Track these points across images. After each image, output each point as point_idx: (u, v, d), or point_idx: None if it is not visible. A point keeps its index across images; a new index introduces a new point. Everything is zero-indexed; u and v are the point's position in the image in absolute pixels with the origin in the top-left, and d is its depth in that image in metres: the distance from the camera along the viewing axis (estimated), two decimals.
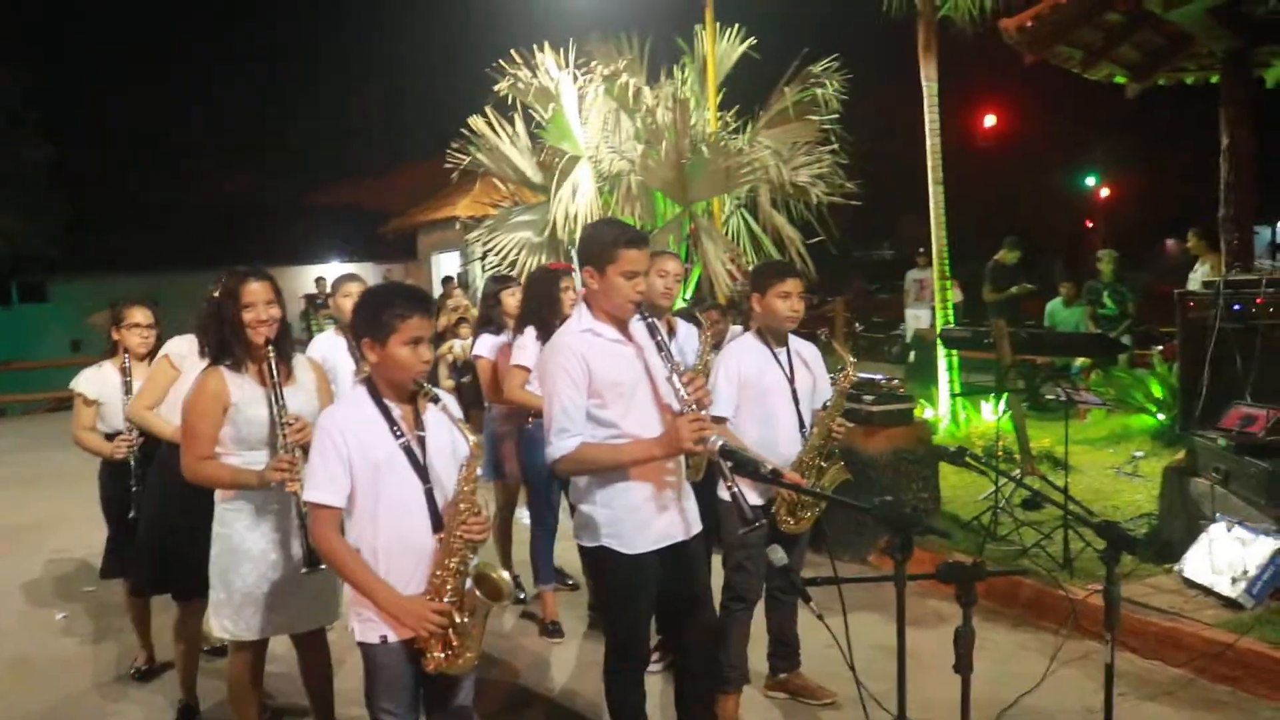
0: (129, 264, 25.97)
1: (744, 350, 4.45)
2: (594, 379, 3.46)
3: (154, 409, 4.68)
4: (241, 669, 3.85)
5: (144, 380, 4.81)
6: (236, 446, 3.73)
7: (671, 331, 5.31)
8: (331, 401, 3.88)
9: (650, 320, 3.51)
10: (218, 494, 3.80)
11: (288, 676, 4.79)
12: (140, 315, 5.12)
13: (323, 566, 3.57)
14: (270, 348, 3.71)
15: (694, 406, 3.36)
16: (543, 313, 5.51)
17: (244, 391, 3.71)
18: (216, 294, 4.43)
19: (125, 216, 32.03)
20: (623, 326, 3.58)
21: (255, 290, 3.73)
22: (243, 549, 3.74)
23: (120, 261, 26.64)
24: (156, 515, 4.62)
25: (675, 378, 3.41)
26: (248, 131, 40.56)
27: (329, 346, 5.57)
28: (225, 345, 3.74)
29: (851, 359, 4.60)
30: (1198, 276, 10.19)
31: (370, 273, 27.72)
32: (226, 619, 3.76)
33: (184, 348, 4.59)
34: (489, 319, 6.19)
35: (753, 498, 4.12)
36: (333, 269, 29.72)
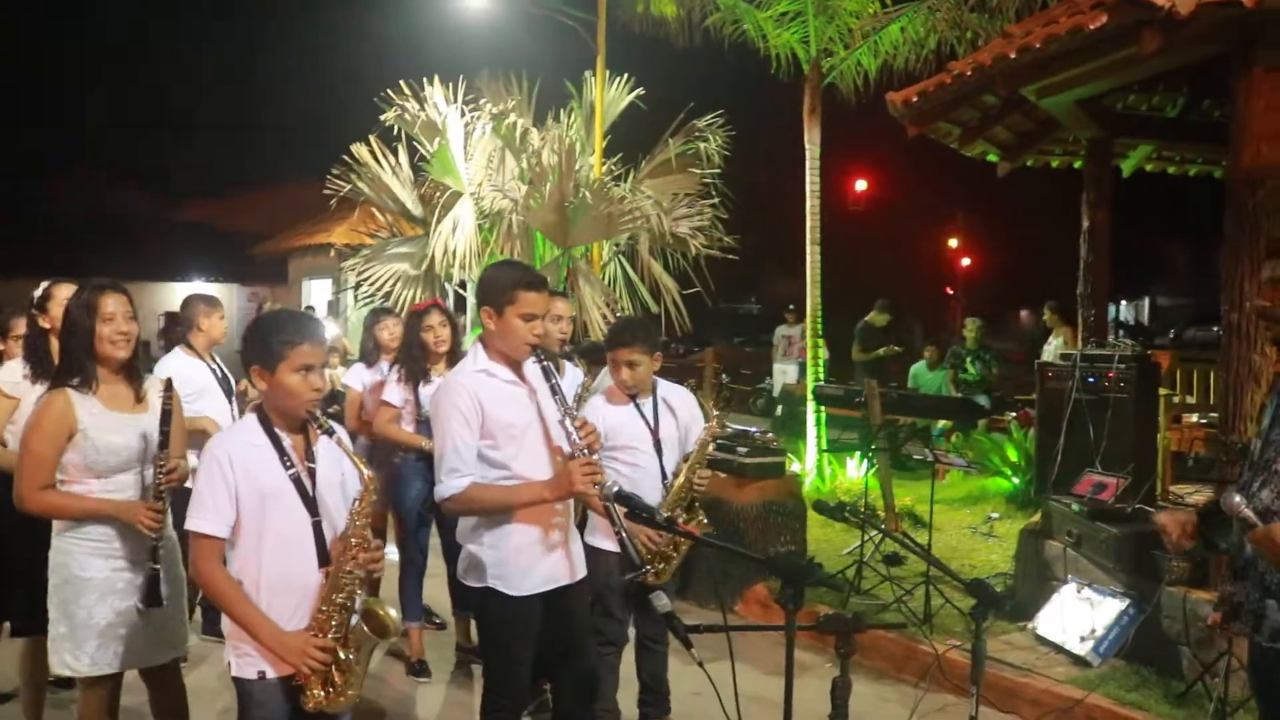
0: None
1: (605, 404, 4.50)
2: (486, 419, 3.45)
3: None
4: (94, 706, 3.60)
5: None
6: (82, 474, 3.49)
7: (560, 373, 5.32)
8: (184, 426, 3.74)
9: (546, 364, 3.52)
10: (56, 524, 3.55)
11: (137, 712, 4.59)
12: (18, 327, 4.87)
13: (165, 604, 3.48)
14: (172, 394, 3.58)
15: (586, 451, 3.38)
16: (411, 351, 5.53)
17: (93, 416, 3.47)
18: (35, 308, 4.28)
19: None
20: (517, 368, 3.59)
21: (115, 301, 3.54)
22: (83, 578, 3.49)
23: None
24: None
25: (568, 421, 3.42)
26: (110, 139, 39.01)
27: (184, 367, 5.40)
28: (75, 362, 3.51)
29: (716, 413, 4.66)
30: (1052, 348, 10.71)
31: (236, 295, 26.99)
32: (68, 654, 3.51)
33: (15, 375, 4.33)
34: (363, 351, 6.15)
35: (608, 545, 4.17)
36: (197, 288, 28.82)
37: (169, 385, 3.66)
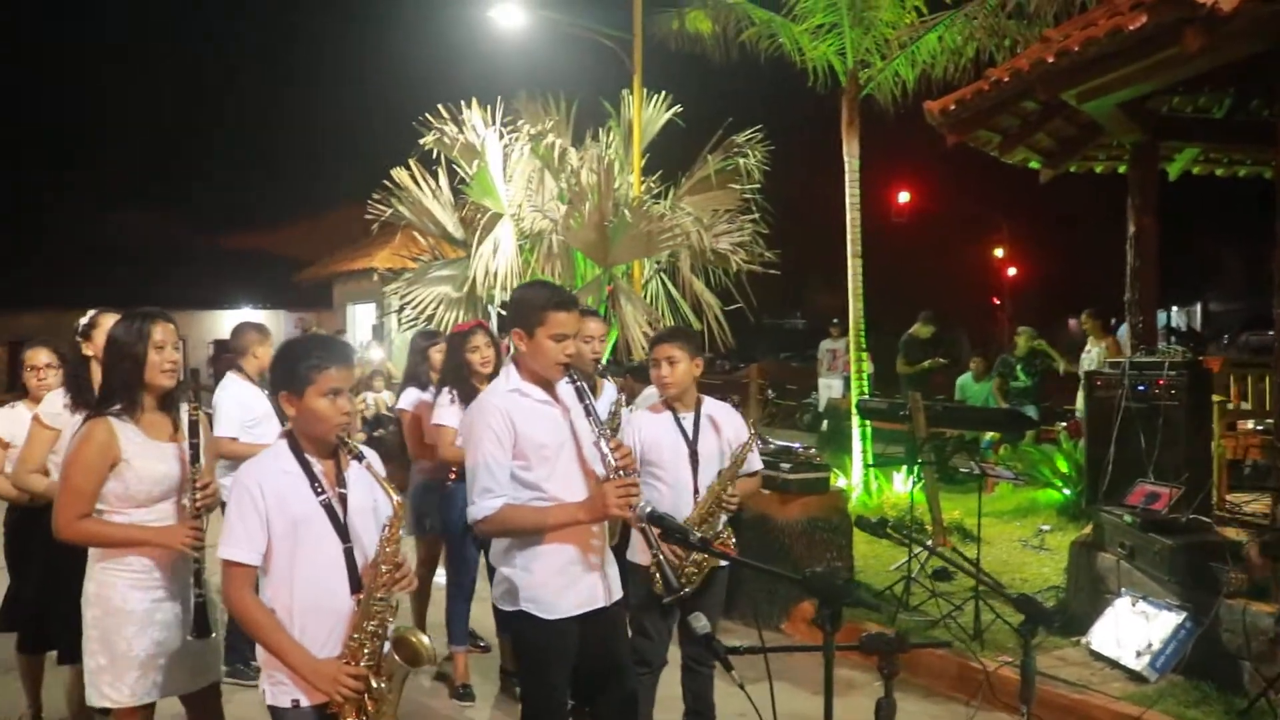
0: (27, 301, 25.12)
1: (644, 418, 4.48)
2: (519, 440, 3.42)
3: (37, 473, 4.42)
4: None
5: (24, 446, 4.51)
6: (122, 504, 3.45)
7: (597, 393, 5.29)
8: (214, 453, 3.74)
9: (579, 384, 3.49)
10: (93, 554, 3.52)
11: None
12: (35, 357, 4.90)
13: (214, 635, 3.46)
14: (196, 405, 3.58)
15: (621, 472, 3.34)
16: (460, 372, 5.53)
17: (135, 445, 3.44)
18: (80, 336, 4.32)
19: (22, 248, 31.07)
20: (550, 388, 3.56)
21: (166, 330, 3.54)
22: (124, 610, 3.45)
23: (16, 298, 25.75)
24: (44, 575, 4.41)
25: (602, 442, 3.39)
26: (158, 169, 39.66)
27: (241, 393, 5.51)
28: (121, 389, 3.49)
29: (751, 429, 4.57)
30: (1092, 357, 10.54)
31: (283, 321, 27.26)
32: (107, 686, 3.46)
33: (56, 405, 4.35)
34: (415, 374, 6.15)
35: (643, 558, 4.11)
36: (243, 315, 29.16)
37: (192, 400, 3.66)
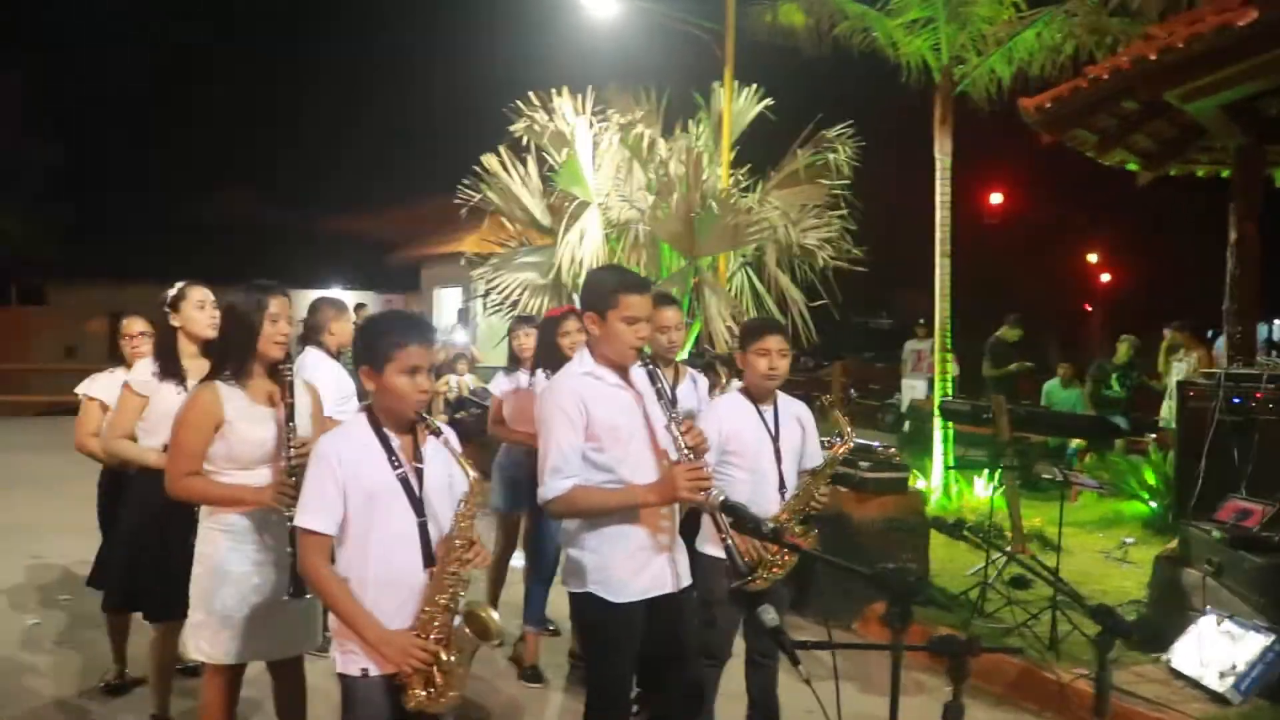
0: (129, 272, 25.85)
1: (728, 406, 4.41)
2: (592, 422, 3.44)
3: (125, 438, 4.54)
4: (215, 693, 3.72)
5: (112, 411, 4.67)
6: (227, 465, 3.64)
7: (678, 380, 5.28)
8: (322, 425, 3.83)
9: (652, 367, 3.49)
10: (203, 512, 3.71)
11: (254, 703, 4.72)
12: (131, 326, 5.10)
13: (309, 596, 3.52)
14: (289, 366, 3.69)
15: (691, 456, 3.35)
16: (552, 355, 5.56)
17: (239, 408, 3.62)
18: (168, 307, 4.46)
19: (127, 224, 32.04)
20: (624, 372, 3.57)
21: (282, 304, 3.71)
22: (224, 570, 3.62)
23: (120, 269, 26.53)
24: (131, 535, 4.57)
25: (674, 425, 3.40)
26: (256, 150, 40.63)
27: (325, 367, 5.61)
28: (235, 356, 3.66)
29: (850, 429, 4.49)
30: (1181, 368, 10.26)
31: (372, 302, 27.71)
32: (204, 641, 3.65)
33: (145, 374, 4.50)
34: (514, 356, 6.22)
35: (717, 552, 4.09)
36: (335, 295, 29.67)
37: (287, 360, 3.75)
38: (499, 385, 6.06)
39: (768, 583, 4.23)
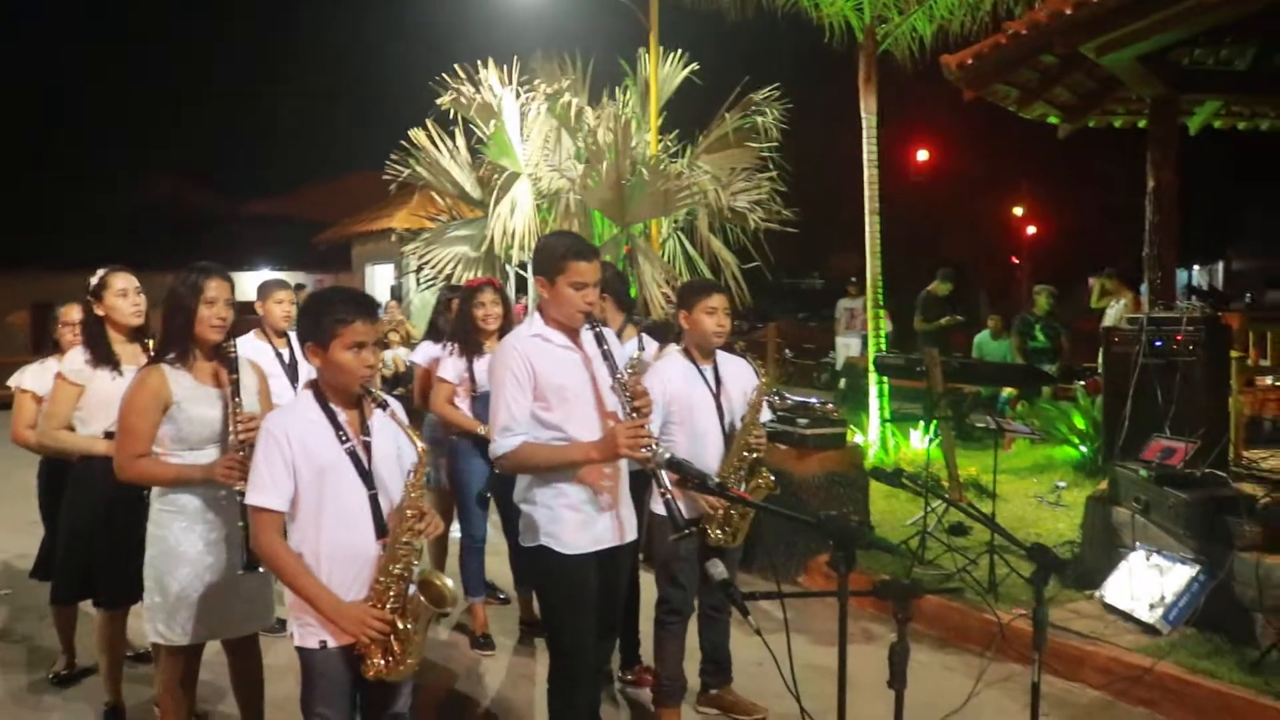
0: (52, 263, 25.23)
1: (670, 367, 4.49)
2: (539, 382, 3.55)
3: (63, 428, 4.48)
4: (173, 674, 3.73)
5: (48, 403, 4.59)
6: (176, 446, 3.64)
7: (622, 339, 5.31)
8: (269, 405, 3.83)
9: (599, 329, 3.56)
10: (154, 494, 3.70)
11: (210, 684, 4.71)
12: (69, 313, 5.05)
13: (261, 569, 3.55)
14: (233, 344, 3.69)
15: (635, 414, 3.44)
16: (461, 327, 5.60)
17: (186, 389, 3.62)
18: (91, 295, 4.42)
19: (50, 214, 31.26)
20: (573, 334, 3.66)
21: (219, 287, 3.69)
22: (178, 551, 3.63)
23: (43, 260, 25.88)
24: (77, 525, 4.52)
25: (619, 386, 3.49)
26: (175, 134, 39.87)
27: (251, 350, 5.55)
28: (175, 339, 3.66)
29: (763, 372, 4.61)
30: (1113, 313, 10.52)
31: (302, 282, 27.37)
32: (160, 623, 3.65)
33: (78, 362, 4.44)
34: (434, 328, 6.23)
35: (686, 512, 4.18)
36: (262, 276, 29.20)
37: (228, 339, 3.75)
38: (423, 353, 6.08)
39: (733, 541, 4.33)
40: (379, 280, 21.99)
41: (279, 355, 5.73)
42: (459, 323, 5.71)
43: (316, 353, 3.06)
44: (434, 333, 6.22)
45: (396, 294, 17.95)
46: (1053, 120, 8.22)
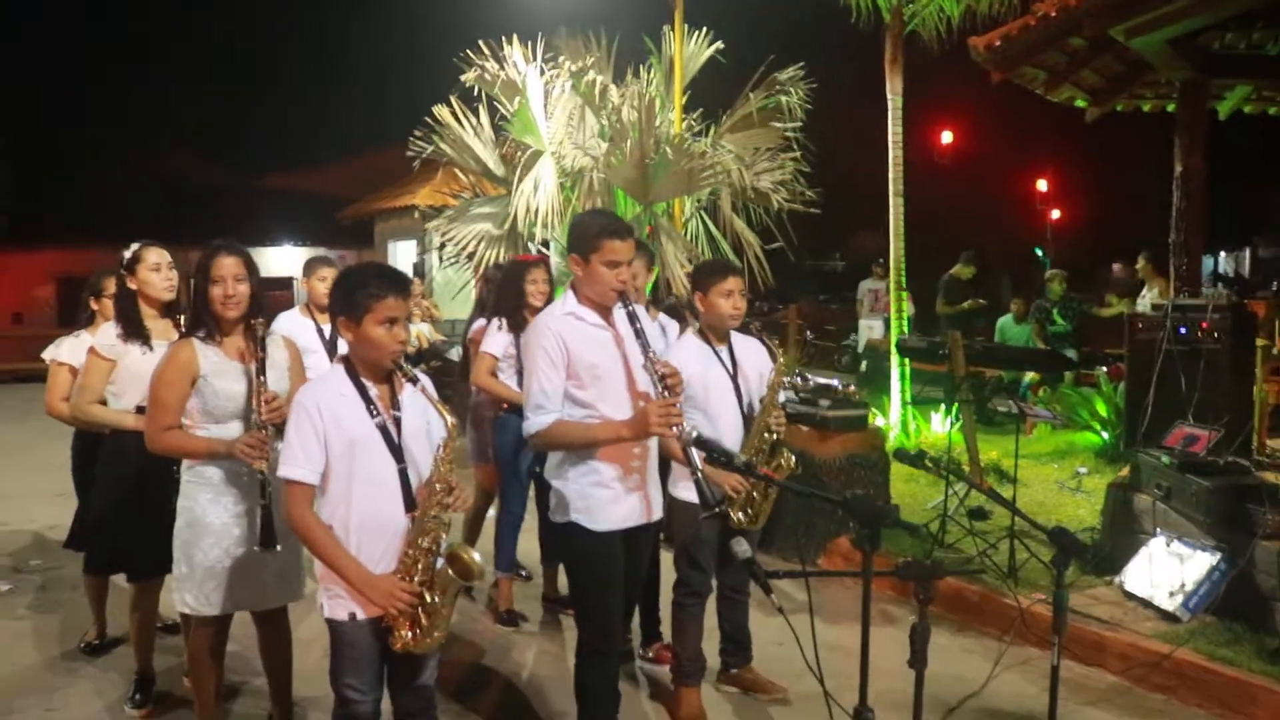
0: (76, 238, 25.44)
1: (687, 349, 4.51)
2: (572, 360, 3.58)
3: (95, 402, 4.52)
4: (202, 644, 3.81)
5: (81, 376, 4.64)
6: (204, 419, 3.70)
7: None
8: (303, 380, 3.87)
9: (631, 308, 3.58)
10: (184, 466, 3.76)
11: (239, 655, 4.78)
12: (110, 286, 5.09)
13: (278, 547, 3.61)
14: (258, 322, 3.73)
15: (666, 393, 3.47)
16: (510, 302, 5.59)
17: (214, 364, 3.69)
18: (125, 269, 4.47)
19: (74, 189, 31.47)
20: (606, 313, 3.70)
21: (225, 265, 3.72)
22: (204, 523, 3.69)
23: (67, 235, 26.09)
24: (108, 498, 4.58)
25: (650, 364, 3.52)
26: (201, 110, 40.01)
27: (294, 326, 5.63)
28: (200, 316, 3.74)
29: (782, 352, 4.63)
30: (1147, 300, 10.46)
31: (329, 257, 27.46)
32: (188, 593, 3.72)
33: (110, 337, 4.48)
34: (483, 303, 6.22)
35: (693, 496, 4.19)
36: (284, 252, 29.38)
37: (258, 317, 3.79)
38: (476, 329, 6.00)
39: (756, 523, 4.36)
40: (401, 257, 22.04)
41: (320, 331, 5.80)
42: (507, 297, 5.67)
43: (349, 327, 3.09)
44: (481, 309, 6.21)
45: (419, 271, 18.01)
46: (1080, 104, 8.17)
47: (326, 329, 5.82)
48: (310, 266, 5.98)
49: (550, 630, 5.69)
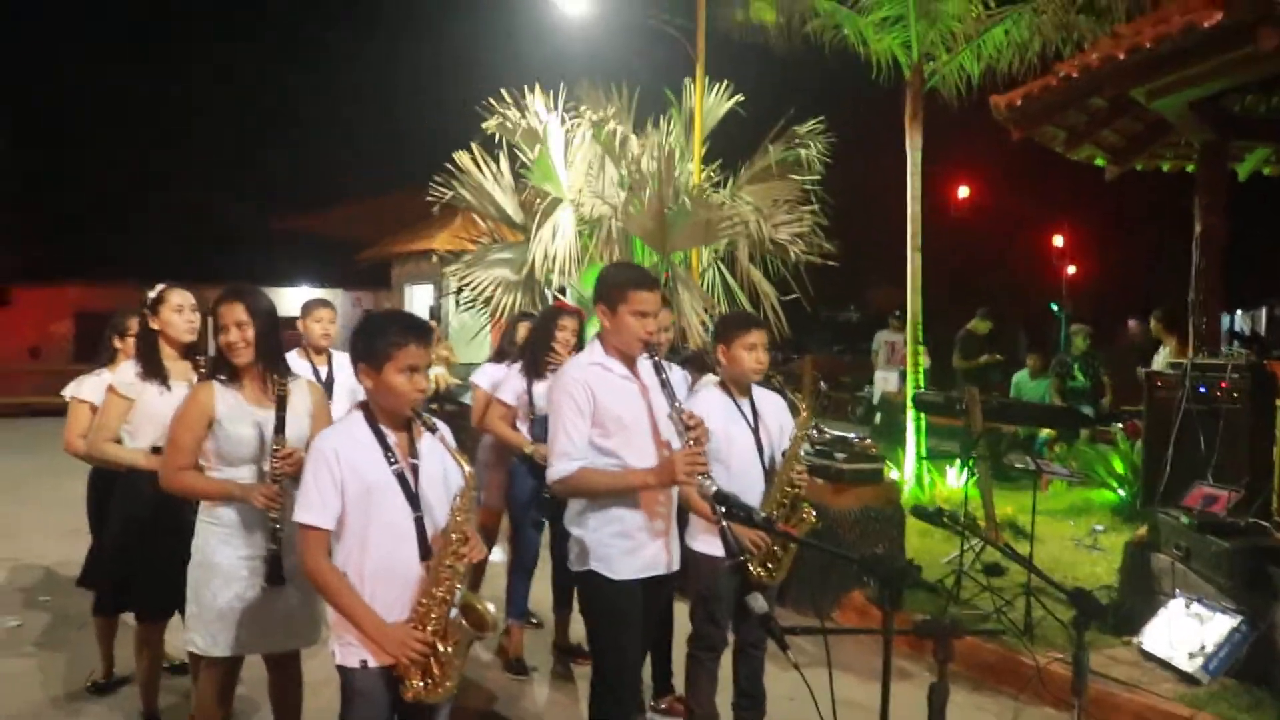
0: (95, 274, 25.62)
1: (708, 402, 4.46)
2: (598, 409, 3.61)
3: (110, 440, 4.54)
4: (209, 687, 3.78)
5: (99, 415, 4.66)
6: (218, 462, 3.70)
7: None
8: (327, 422, 3.87)
9: (657, 359, 3.60)
10: (201, 507, 3.76)
11: (247, 698, 4.75)
12: (132, 326, 5.13)
13: (286, 584, 3.61)
14: (283, 381, 3.71)
15: (692, 444, 3.47)
16: (535, 349, 5.61)
17: (230, 407, 3.68)
18: (148, 309, 4.50)
19: (93, 225, 31.74)
20: (631, 363, 3.72)
21: (225, 311, 3.72)
22: (213, 563, 3.68)
23: (86, 271, 26.28)
24: (120, 537, 4.58)
25: (676, 414, 3.52)
26: (225, 149, 40.42)
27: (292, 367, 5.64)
28: (218, 359, 3.76)
29: (804, 406, 4.57)
30: (1161, 359, 10.41)
31: (340, 300, 27.60)
32: (198, 634, 3.70)
33: (129, 375, 4.51)
34: (503, 350, 6.24)
35: (711, 549, 4.18)
36: (302, 293, 29.49)
37: (286, 371, 3.78)
38: (486, 375, 6.01)
39: (775, 577, 4.31)
40: (418, 301, 22.13)
41: (316, 373, 5.81)
42: (535, 342, 5.69)
43: (369, 374, 3.09)
44: (500, 355, 6.22)
45: (435, 315, 18.06)
46: (1099, 163, 8.20)
47: (323, 370, 5.85)
48: (307, 308, 6.00)
49: (561, 680, 5.64)
